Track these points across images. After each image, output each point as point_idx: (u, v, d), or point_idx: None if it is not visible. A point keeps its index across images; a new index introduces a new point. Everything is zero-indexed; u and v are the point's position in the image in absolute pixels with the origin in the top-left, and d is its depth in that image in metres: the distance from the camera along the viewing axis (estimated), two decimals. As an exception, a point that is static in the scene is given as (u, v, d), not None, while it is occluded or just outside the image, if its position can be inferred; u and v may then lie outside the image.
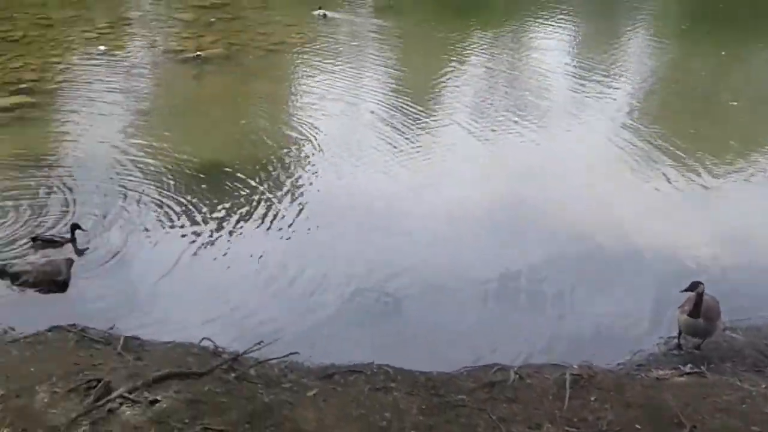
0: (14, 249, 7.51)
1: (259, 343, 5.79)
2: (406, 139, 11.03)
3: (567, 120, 12.28)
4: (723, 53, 16.88)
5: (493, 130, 11.64)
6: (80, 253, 7.57)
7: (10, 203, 8.34)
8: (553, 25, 18.97)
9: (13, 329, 5.99)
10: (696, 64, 16.55)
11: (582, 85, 14.19)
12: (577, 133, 11.82)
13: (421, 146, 10.88)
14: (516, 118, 12.12)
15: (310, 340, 6.41)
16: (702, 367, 6.06)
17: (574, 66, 15.58)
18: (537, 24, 19.47)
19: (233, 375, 5.29)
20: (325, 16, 18.25)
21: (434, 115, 12.27)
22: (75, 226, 7.68)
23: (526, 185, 9.68)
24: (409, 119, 11.80)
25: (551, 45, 17.42)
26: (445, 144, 11.16)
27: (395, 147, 10.69)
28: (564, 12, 20.26)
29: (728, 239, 8.43)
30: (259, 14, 18.05)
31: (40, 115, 11.24)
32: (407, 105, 12.42)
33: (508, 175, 10.09)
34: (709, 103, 13.86)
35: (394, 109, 12.19)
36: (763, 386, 5.74)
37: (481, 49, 16.56)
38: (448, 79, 14.39)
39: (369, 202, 9.06)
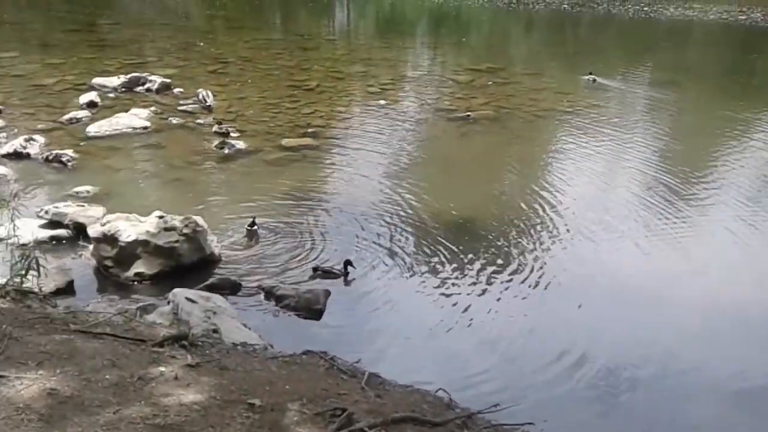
0: (285, 273, 8.29)
1: (494, 406, 5.69)
2: (668, 218, 10.38)
3: None
4: None
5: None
6: (348, 285, 8.15)
7: (286, 232, 9.25)
8: None
9: (272, 346, 6.53)
10: None
11: None
12: None
13: (684, 228, 10.15)
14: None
15: (546, 413, 6.14)
16: None
17: None
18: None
19: (466, 432, 5.25)
20: (594, 81, 18.06)
21: (703, 196, 11.42)
22: (348, 263, 8.30)
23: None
24: (674, 197, 11.10)
25: None
26: (712, 229, 10.29)
27: (655, 226, 10.09)
28: None
29: None
30: (532, 80, 18.31)
31: (320, 156, 12.42)
32: (674, 182, 11.73)
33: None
34: None
35: (658, 186, 11.55)
36: None
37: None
38: (726, 159, 13.33)
39: (620, 280, 8.60)
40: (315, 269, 8.31)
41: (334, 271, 8.28)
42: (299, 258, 8.65)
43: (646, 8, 32.50)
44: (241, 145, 12.24)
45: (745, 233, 10.05)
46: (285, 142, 12.67)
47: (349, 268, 8.29)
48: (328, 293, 7.70)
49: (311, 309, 7.48)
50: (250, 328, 6.79)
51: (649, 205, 10.83)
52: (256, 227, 8.97)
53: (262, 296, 7.74)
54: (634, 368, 7.03)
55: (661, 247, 9.53)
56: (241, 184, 10.97)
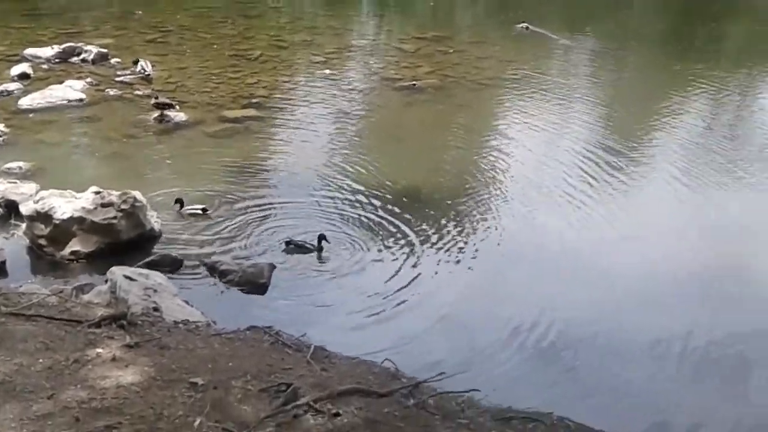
0: (229, 248, 8.15)
1: (440, 374, 5.73)
2: (608, 184, 10.54)
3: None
4: None
5: (707, 183, 10.71)
6: (322, 261, 8.07)
7: (228, 206, 9.08)
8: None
9: (215, 323, 6.43)
10: None
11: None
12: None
13: (623, 193, 10.35)
14: (736, 172, 11.14)
15: (491, 379, 6.25)
16: None
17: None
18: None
19: (412, 401, 5.27)
20: (527, 29, 19.33)
21: (642, 160, 11.67)
22: (322, 237, 8.17)
23: (739, 246, 8.85)
24: (614, 162, 11.26)
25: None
26: (650, 193, 10.53)
27: (595, 192, 10.23)
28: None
29: None
30: (477, 48, 18.25)
31: (264, 127, 12.19)
32: (613, 147, 11.93)
33: (719, 232, 9.22)
34: None
35: (599, 151, 11.68)
36: None
37: (708, 91, 15.47)
38: (664, 120, 13.62)
39: (561, 246, 8.73)
40: (288, 243, 8.17)
41: (308, 245, 8.15)
42: (244, 232, 8.51)
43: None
44: (181, 117, 11.93)
45: (686, 195, 10.30)
46: (228, 113, 12.39)
47: (324, 243, 8.14)
48: (272, 267, 7.60)
49: (256, 284, 7.37)
50: (192, 306, 6.66)
51: (595, 170, 10.95)
52: (185, 208, 8.73)
53: (204, 272, 7.59)
54: (579, 332, 7.16)
55: (606, 212, 9.66)
56: (183, 156, 10.72)
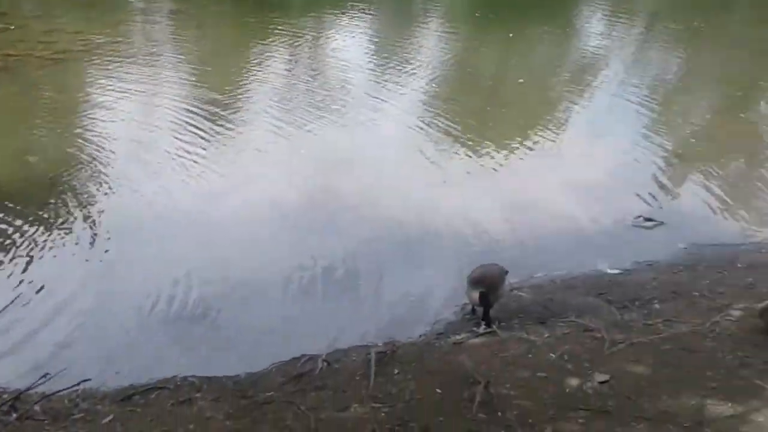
0: None
1: (44, 376, 5.39)
2: (208, 142, 10.73)
3: (367, 111, 12.49)
4: (510, 35, 18.14)
5: (297, 127, 11.53)
6: None
7: None
8: (349, 21, 19.45)
9: None
10: (487, 47, 17.70)
11: (380, 76, 14.54)
12: (376, 122, 12.07)
13: (224, 148, 10.63)
14: (318, 113, 12.12)
15: (106, 364, 6.01)
16: (494, 326, 6.42)
17: (372, 59, 15.96)
18: (334, 19, 19.89)
19: (14, 415, 4.89)
20: None
21: (236, 115, 12.03)
22: None
23: (332, 177, 9.72)
24: (211, 121, 11.46)
25: (349, 39, 17.72)
26: (249, 144, 10.95)
27: (196, 152, 10.33)
28: (358, 10, 20.67)
29: (515, 210, 9.00)
30: (40, 22, 16.80)
31: None
32: (207, 106, 12.09)
33: (314, 169, 10.05)
34: (499, 82, 14.79)
35: (193, 111, 11.79)
36: (546, 336, 6.17)
37: (282, 43, 16.58)
38: (253, 70, 14.31)
39: (171, 211, 8.70)
40: None
41: None
42: None
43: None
44: None
45: (286, 136, 11.10)
46: None
47: None
48: None
49: None
50: None
51: (201, 125, 11.15)
52: None
53: None
54: (198, 291, 7.16)
55: (208, 172, 9.76)
56: None
